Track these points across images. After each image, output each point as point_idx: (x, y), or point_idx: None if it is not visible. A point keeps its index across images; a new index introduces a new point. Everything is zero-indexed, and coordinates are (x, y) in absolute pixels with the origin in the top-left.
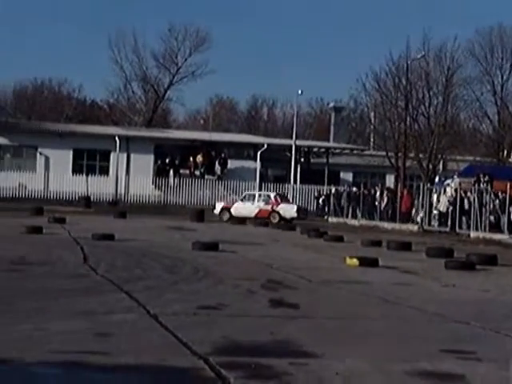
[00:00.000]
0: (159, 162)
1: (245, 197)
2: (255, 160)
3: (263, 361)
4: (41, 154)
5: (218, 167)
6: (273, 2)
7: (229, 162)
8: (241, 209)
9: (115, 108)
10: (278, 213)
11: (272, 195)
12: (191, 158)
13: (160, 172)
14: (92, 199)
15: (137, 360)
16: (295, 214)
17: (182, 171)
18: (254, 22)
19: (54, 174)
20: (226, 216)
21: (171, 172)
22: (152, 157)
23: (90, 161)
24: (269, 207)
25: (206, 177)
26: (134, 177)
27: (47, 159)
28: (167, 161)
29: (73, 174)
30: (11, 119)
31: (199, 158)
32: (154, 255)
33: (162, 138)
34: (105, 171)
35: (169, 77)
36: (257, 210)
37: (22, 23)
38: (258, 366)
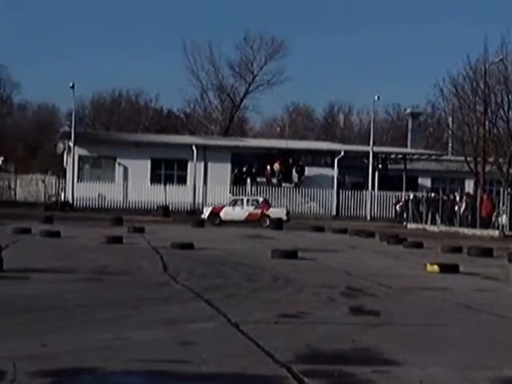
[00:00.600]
0: (236, 170)
1: (233, 202)
2: (332, 167)
3: (346, 369)
4: (119, 164)
5: (295, 175)
6: (348, 8)
7: (306, 169)
8: (230, 213)
9: (192, 117)
10: (268, 216)
11: (260, 200)
12: (268, 166)
13: (237, 180)
14: (170, 208)
15: (219, 368)
16: (285, 217)
17: (258, 179)
18: (330, 29)
19: (133, 183)
20: (216, 220)
21: (248, 180)
22: (229, 165)
23: (168, 170)
24: (258, 211)
25: (284, 185)
26: (212, 185)
27: (126, 169)
28: (244, 169)
29: (151, 184)
30: (90, 130)
31: (276, 166)
32: (233, 263)
33: (238, 146)
34: (182, 180)
35: (245, 85)
36: (247, 214)
37: (98, 35)
38: (341, 374)
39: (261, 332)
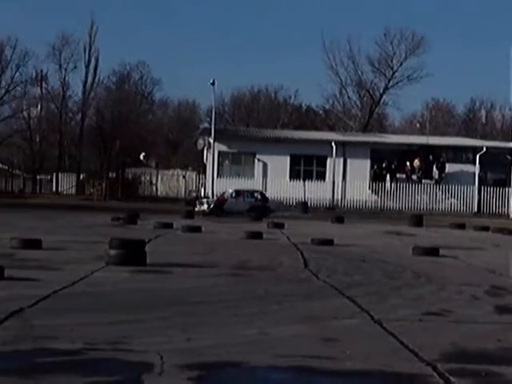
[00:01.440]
0: (375, 166)
1: (234, 194)
2: (474, 163)
3: (493, 368)
4: (259, 160)
5: (435, 171)
6: (489, 4)
7: (447, 165)
8: (233, 205)
9: (331, 113)
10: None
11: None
12: (408, 163)
13: (376, 177)
14: (309, 204)
15: (363, 365)
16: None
17: (398, 176)
18: (471, 24)
19: (272, 179)
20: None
21: (388, 177)
22: (368, 162)
23: (307, 166)
24: (259, 203)
25: (424, 181)
26: (351, 182)
27: (265, 165)
28: (383, 165)
29: (290, 180)
30: (230, 126)
31: (416, 163)
32: (374, 260)
33: (378, 142)
34: (321, 176)
35: (384, 81)
36: (248, 206)
37: (238, 32)
38: (489, 374)
39: (404, 329)
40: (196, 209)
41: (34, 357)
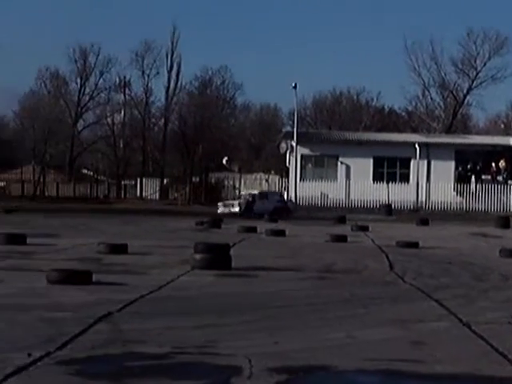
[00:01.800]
0: (460, 168)
1: (256, 196)
2: None
3: None
4: (342, 163)
5: None
6: None
7: None
8: (259, 206)
9: (413, 115)
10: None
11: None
12: (493, 164)
13: (461, 178)
14: (393, 207)
15: (453, 369)
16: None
17: (483, 177)
18: None
19: (355, 182)
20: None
21: (473, 178)
22: (453, 163)
23: (390, 168)
24: (281, 204)
25: (510, 182)
26: (435, 183)
27: (348, 168)
28: (468, 167)
29: (373, 182)
30: (312, 130)
31: (502, 164)
32: (460, 262)
33: (462, 143)
34: (405, 178)
35: (468, 82)
36: (272, 207)
37: (319, 35)
38: None
39: (494, 332)
40: (219, 210)
41: (124, 361)
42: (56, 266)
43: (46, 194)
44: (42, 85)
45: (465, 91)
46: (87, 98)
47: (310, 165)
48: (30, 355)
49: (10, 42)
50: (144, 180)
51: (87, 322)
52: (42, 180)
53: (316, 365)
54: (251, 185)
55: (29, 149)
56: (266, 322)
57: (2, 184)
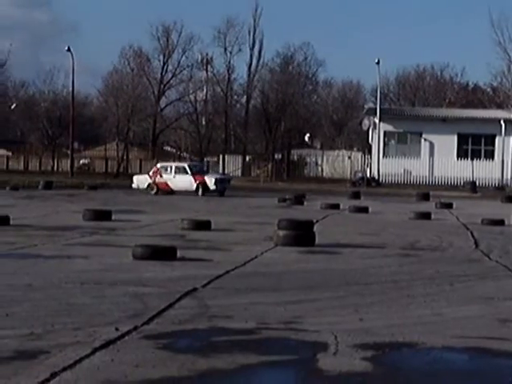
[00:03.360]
0: None
1: (166, 169)
2: None
3: None
4: (425, 139)
5: None
6: None
7: None
8: (177, 182)
9: (499, 91)
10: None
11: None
12: None
13: None
14: (477, 184)
15: None
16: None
17: None
18: None
19: (439, 159)
20: (153, 190)
21: None
22: None
23: (475, 145)
24: (201, 178)
25: None
26: None
27: (431, 145)
28: None
29: (457, 159)
30: (395, 106)
31: None
32: None
33: None
34: (490, 155)
35: None
36: (193, 182)
37: (403, 10)
38: None
39: None
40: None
41: (210, 336)
42: (141, 241)
43: (130, 171)
44: (126, 63)
45: None
46: (170, 75)
47: (392, 141)
48: (117, 329)
49: (94, 20)
50: (226, 157)
51: (173, 297)
52: (125, 157)
53: (402, 342)
54: (333, 162)
55: (112, 126)
56: (351, 298)
57: (87, 161)
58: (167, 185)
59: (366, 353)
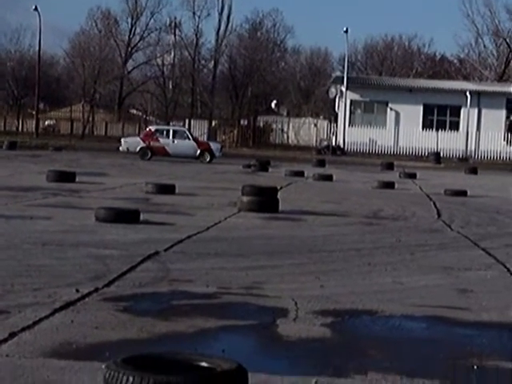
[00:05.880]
0: (511, 117)
1: (162, 133)
2: None
3: None
4: (391, 109)
5: None
6: None
7: None
8: (177, 147)
9: (466, 63)
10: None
11: (186, 131)
12: None
13: (511, 128)
14: (442, 155)
15: (500, 317)
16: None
17: None
18: None
19: (404, 129)
20: (147, 155)
21: None
22: (504, 112)
23: (440, 116)
24: (206, 144)
25: None
26: (485, 132)
27: (397, 114)
28: None
29: (423, 130)
30: (362, 75)
31: None
32: (508, 212)
33: None
34: (455, 127)
35: None
36: (197, 147)
37: None
38: None
39: None
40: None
41: (171, 299)
42: (104, 204)
43: (95, 133)
44: (93, 24)
45: None
46: (137, 38)
47: (359, 110)
48: (77, 291)
49: None
50: (192, 122)
51: (135, 260)
52: (91, 119)
53: (362, 309)
54: (299, 129)
55: (79, 87)
56: (312, 265)
57: (52, 122)
58: (165, 150)
59: (326, 319)
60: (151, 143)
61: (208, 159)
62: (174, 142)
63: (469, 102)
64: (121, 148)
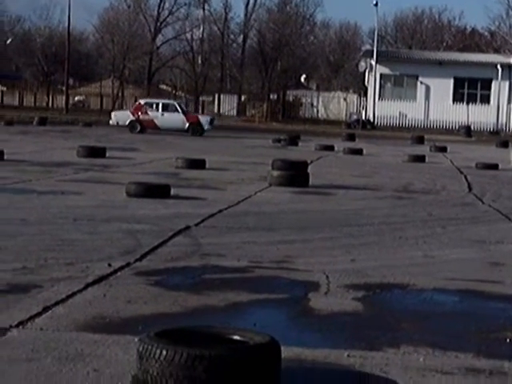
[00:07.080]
0: None
1: (152, 106)
2: None
3: None
4: (421, 83)
5: None
6: None
7: None
8: (165, 120)
9: (497, 35)
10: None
11: (176, 103)
12: None
13: None
14: (472, 128)
15: None
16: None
17: None
18: None
19: (434, 102)
20: (137, 129)
21: None
22: None
23: (471, 89)
24: (194, 117)
25: None
26: None
27: (428, 88)
28: None
29: (453, 103)
30: (392, 49)
31: None
32: None
33: None
34: (486, 100)
35: None
36: (186, 120)
37: None
38: None
39: None
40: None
41: (202, 273)
42: (135, 179)
43: (125, 108)
44: None
45: None
46: (166, 12)
47: (388, 84)
48: (110, 265)
49: None
50: (222, 96)
51: (166, 235)
52: (120, 94)
53: (393, 283)
54: (329, 103)
55: (108, 63)
56: (344, 239)
57: (82, 98)
58: (153, 123)
59: (357, 293)
60: (140, 116)
61: (196, 133)
62: (162, 115)
63: (500, 75)
64: (111, 122)
